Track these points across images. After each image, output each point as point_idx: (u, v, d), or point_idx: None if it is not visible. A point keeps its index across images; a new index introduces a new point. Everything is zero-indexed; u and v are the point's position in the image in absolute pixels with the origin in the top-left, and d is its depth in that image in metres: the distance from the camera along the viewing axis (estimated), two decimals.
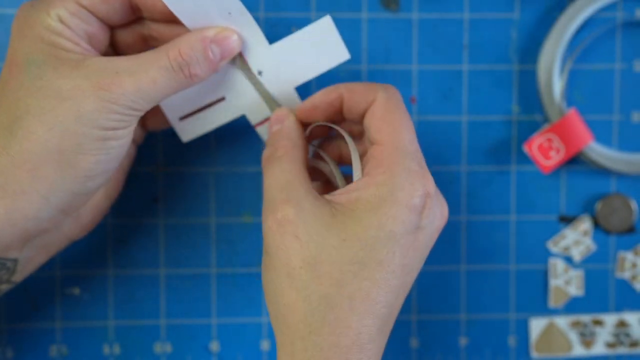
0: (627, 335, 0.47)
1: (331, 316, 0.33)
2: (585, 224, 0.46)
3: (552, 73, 0.44)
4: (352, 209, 0.33)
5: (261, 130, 0.40)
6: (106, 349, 0.45)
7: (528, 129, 0.46)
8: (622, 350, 0.47)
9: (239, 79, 0.38)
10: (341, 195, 0.34)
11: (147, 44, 0.39)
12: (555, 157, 0.44)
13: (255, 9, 0.44)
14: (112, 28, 0.37)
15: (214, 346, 0.45)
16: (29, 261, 0.36)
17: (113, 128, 0.34)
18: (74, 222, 0.38)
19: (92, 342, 0.45)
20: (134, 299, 0.45)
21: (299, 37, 0.37)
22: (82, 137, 0.33)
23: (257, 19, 0.44)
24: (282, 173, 0.35)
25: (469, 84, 0.45)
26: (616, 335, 0.47)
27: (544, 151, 0.44)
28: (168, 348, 0.45)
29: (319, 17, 0.44)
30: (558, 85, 0.44)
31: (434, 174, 0.45)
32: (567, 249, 0.46)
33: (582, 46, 0.45)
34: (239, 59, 0.38)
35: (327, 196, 0.35)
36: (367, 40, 0.45)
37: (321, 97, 0.37)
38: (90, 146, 0.33)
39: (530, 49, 0.45)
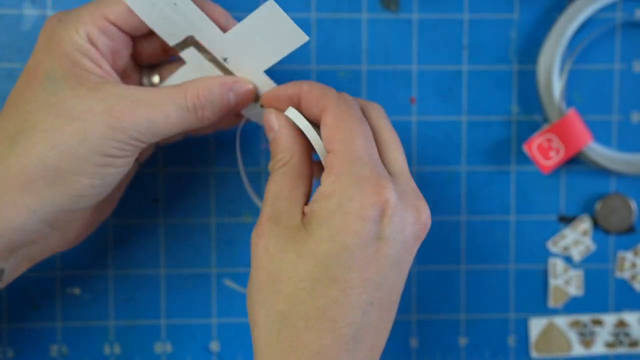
0: (627, 335, 0.47)
1: (286, 333, 0.32)
2: (584, 224, 0.46)
3: (552, 73, 0.44)
4: (308, 222, 0.33)
5: (245, 112, 0.40)
6: (107, 349, 0.45)
7: (528, 129, 0.46)
8: (621, 350, 0.47)
9: (208, 68, 0.38)
10: (307, 206, 0.34)
11: (167, 54, 0.39)
12: (554, 157, 0.44)
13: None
14: (135, 39, 0.38)
15: (214, 346, 0.45)
16: (14, 270, 0.36)
17: (113, 156, 0.34)
18: (60, 236, 0.37)
19: (92, 341, 0.45)
20: (134, 299, 0.45)
21: (248, 23, 0.37)
22: (82, 160, 0.33)
23: None
24: (274, 184, 0.35)
25: (468, 84, 0.45)
26: (616, 335, 0.47)
27: (544, 151, 0.44)
28: (168, 348, 0.45)
29: (319, 17, 0.44)
30: (557, 86, 0.44)
31: (434, 174, 0.46)
32: (566, 248, 0.46)
33: (582, 46, 0.45)
34: (199, 47, 0.38)
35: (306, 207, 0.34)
36: (367, 41, 0.45)
37: (283, 90, 0.37)
38: (88, 170, 0.34)
39: (530, 50, 0.45)
